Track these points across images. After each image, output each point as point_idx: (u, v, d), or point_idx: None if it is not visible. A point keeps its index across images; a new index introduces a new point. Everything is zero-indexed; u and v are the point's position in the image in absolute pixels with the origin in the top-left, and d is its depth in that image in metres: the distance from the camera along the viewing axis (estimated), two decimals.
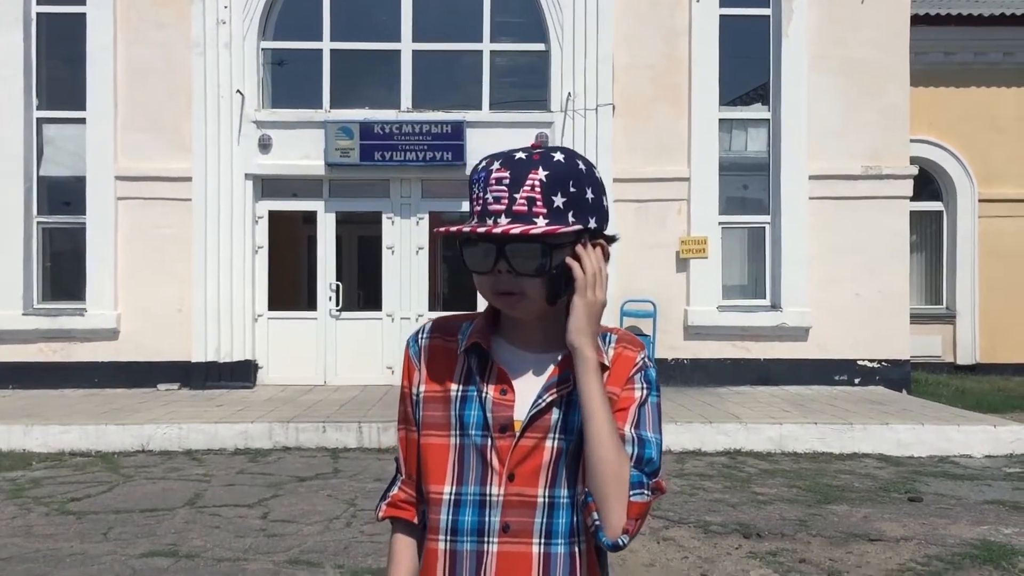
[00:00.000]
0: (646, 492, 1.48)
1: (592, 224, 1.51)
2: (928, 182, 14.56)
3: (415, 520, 1.65)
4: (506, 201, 1.46)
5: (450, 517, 1.54)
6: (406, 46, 12.36)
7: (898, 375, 12.12)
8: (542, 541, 1.51)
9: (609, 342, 1.59)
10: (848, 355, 12.16)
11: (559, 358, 1.55)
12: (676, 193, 12.23)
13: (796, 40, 12.19)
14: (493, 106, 12.39)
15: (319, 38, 12.37)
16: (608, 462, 1.45)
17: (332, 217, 12.47)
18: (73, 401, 10.83)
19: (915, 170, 12.39)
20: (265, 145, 12.07)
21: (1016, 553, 5.57)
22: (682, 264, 12.21)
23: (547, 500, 1.51)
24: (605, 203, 1.56)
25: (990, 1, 14.79)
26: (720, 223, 12.33)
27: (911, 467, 8.27)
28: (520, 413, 1.53)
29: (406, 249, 12.32)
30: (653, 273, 12.08)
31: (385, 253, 12.37)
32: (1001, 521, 6.37)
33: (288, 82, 12.66)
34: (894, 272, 12.19)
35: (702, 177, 12.20)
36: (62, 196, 12.39)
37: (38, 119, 12.23)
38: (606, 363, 1.54)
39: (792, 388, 11.84)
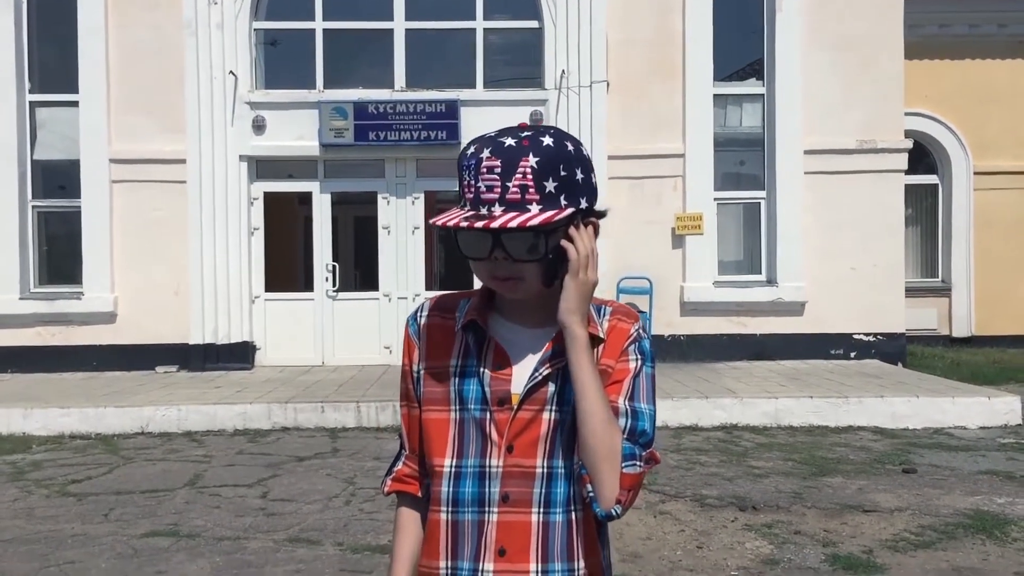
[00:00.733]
0: (639, 464, 1.51)
1: (583, 204, 1.53)
2: (923, 155, 14.57)
3: (419, 494, 1.69)
4: (499, 190, 1.47)
5: (451, 489, 1.58)
6: (399, 25, 12.31)
7: (894, 348, 12.17)
8: (541, 510, 1.55)
9: (604, 314, 1.62)
10: (844, 329, 12.20)
11: (554, 333, 1.58)
12: (671, 169, 12.22)
13: (790, 14, 12.14)
14: (487, 84, 12.36)
15: (311, 18, 12.32)
16: (600, 436, 1.48)
17: (327, 198, 12.46)
18: (72, 384, 10.86)
19: (910, 143, 12.39)
20: (259, 126, 12.04)
21: (1009, 522, 5.63)
22: (678, 240, 12.22)
23: (545, 471, 1.55)
24: (594, 180, 1.57)
25: None
26: (715, 199, 12.33)
27: (906, 439, 8.33)
28: (517, 387, 1.57)
29: (402, 229, 12.32)
30: (649, 250, 12.10)
31: (381, 233, 12.38)
32: (995, 491, 6.43)
33: (281, 63, 12.62)
34: (889, 246, 12.21)
35: (697, 153, 12.19)
36: (56, 180, 12.38)
37: (31, 103, 12.19)
38: (601, 335, 1.58)
39: (788, 363, 11.89)
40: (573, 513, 1.56)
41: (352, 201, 13.27)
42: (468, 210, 1.50)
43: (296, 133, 12.08)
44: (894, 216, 12.30)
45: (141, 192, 11.98)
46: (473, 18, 12.34)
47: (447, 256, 14.03)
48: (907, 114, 12.80)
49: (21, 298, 11.93)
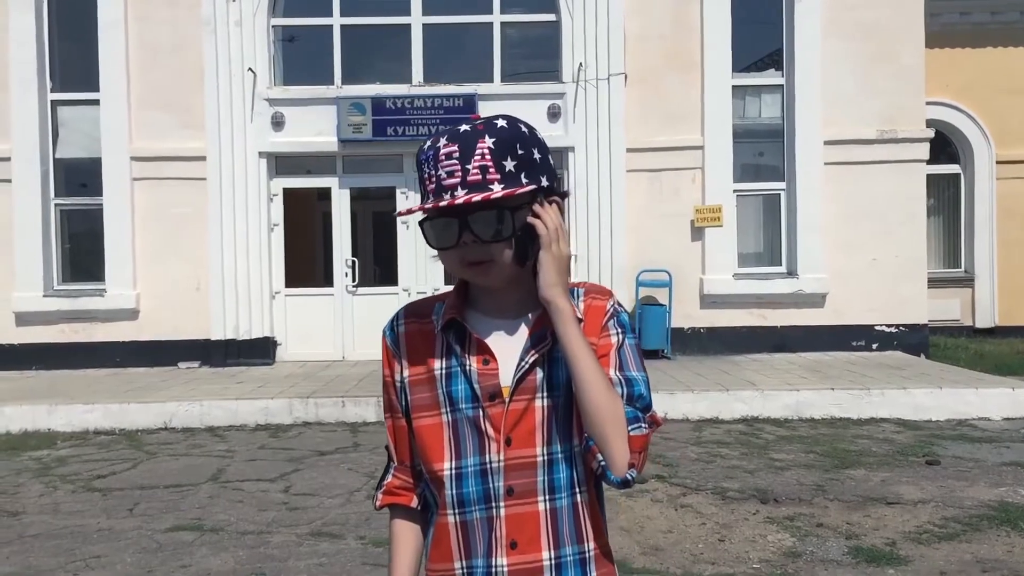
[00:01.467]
0: (643, 425, 1.52)
1: (544, 182, 1.55)
2: (945, 145, 14.44)
3: (412, 504, 1.68)
4: (459, 174, 1.49)
5: (455, 491, 1.57)
6: (416, 20, 12.31)
7: (916, 340, 12.08)
8: (546, 498, 1.55)
9: (578, 296, 1.62)
10: (865, 321, 12.13)
11: (533, 320, 1.59)
12: (690, 162, 12.17)
13: (809, 4, 12.06)
14: (505, 78, 12.34)
15: (329, 14, 12.34)
16: (602, 403, 1.48)
17: (347, 193, 12.50)
18: (95, 380, 10.96)
19: (931, 133, 12.28)
20: (278, 123, 12.09)
21: None
22: (697, 233, 12.18)
23: (546, 458, 1.55)
24: (551, 161, 1.60)
25: None
26: (735, 191, 12.28)
27: (929, 431, 8.27)
28: (506, 379, 1.56)
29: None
30: (668, 242, 12.07)
31: (400, 228, 12.39)
32: (1019, 482, 6.38)
33: (299, 59, 12.65)
34: (911, 236, 12.12)
35: (716, 145, 12.14)
36: (78, 178, 12.47)
37: (52, 101, 12.29)
38: (579, 316, 1.58)
39: (809, 355, 11.84)
40: (578, 495, 1.57)
41: (371, 196, 13.31)
42: (431, 200, 1.51)
43: (315, 129, 12.12)
44: (916, 206, 12.21)
45: (162, 189, 12.06)
46: (490, 12, 12.33)
47: None
48: (928, 103, 12.69)
49: (45, 295, 12.05)
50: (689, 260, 12.14)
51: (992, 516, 5.55)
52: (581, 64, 11.95)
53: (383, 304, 12.27)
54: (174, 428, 8.95)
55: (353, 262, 12.47)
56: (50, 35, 12.24)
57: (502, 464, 1.55)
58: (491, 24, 12.35)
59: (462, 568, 1.57)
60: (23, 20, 11.97)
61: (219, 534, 5.52)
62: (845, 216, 12.05)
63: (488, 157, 1.49)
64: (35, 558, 5.15)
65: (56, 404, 9.19)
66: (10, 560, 5.13)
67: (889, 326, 12.15)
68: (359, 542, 5.32)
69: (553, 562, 1.55)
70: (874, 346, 12.11)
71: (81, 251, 12.58)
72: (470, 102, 11.92)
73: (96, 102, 12.12)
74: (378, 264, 13.80)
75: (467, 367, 1.58)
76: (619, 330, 1.60)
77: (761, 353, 11.95)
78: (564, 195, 1.61)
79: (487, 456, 1.55)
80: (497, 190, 1.48)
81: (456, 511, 1.57)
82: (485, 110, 11.81)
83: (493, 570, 1.54)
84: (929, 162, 12.41)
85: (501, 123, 1.53)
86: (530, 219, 1.53)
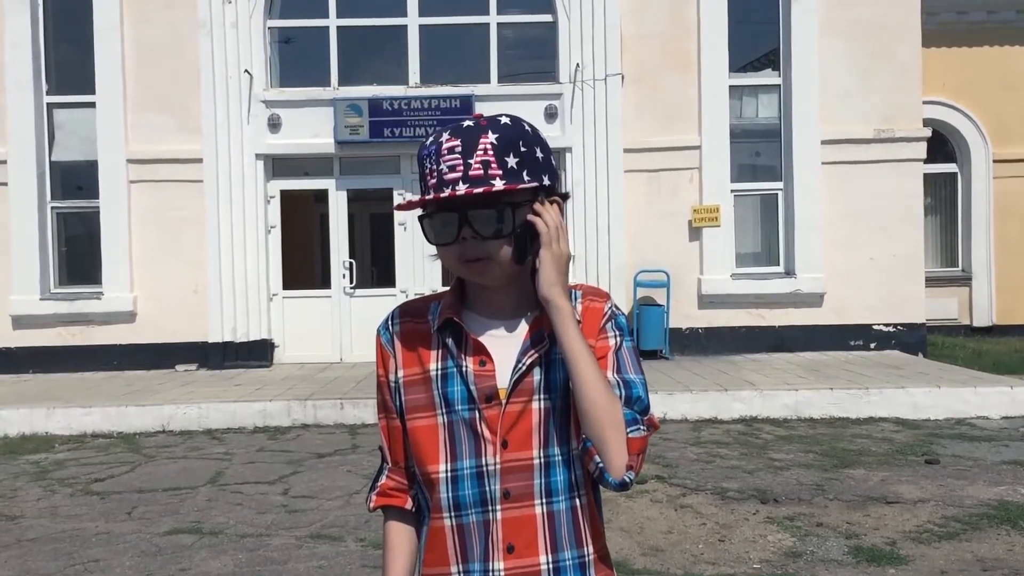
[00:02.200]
0: (642, 428, 1.51)
1: (546, 181, 1.55)
2: (942, 144, 14.45)
3: (407, 506, 1.65)
4: (461, 168, 1.48)
5: (450, 494, 1.55)
6: (413, 21, 12.31)
7: (914, 339, 12.09)
8: (543, 501, 1.53)
9: (576, 298, 1.61)
10: (863, 320, 12.13)
11: (530, 320, 1.58)
12: (687, 162, 12.17)
13: (806, 3, 12.06)
14: (502, 79, 12.34)
15: (325, 15, 12.33)
16: (601, 404, 1.47)
17: (344, 195, 12.48)
18: (93, 384, 10.94)
19: (928, 132, 12.29)
20: (275, 125, 12.08)
21: None
22: (695, 233, 12.17)
23: (543, 460, 1.54)
24: (554, 162, 1.60)
25: None
26: (732, 191, 12.28)
27: (928, 430, 8.27)
28: (502, 380, 1.55)
29: (418, 225, 12.26)
30: (666, 243, 12.07)
31: (397, 230, 12.39)
32: (1018, 481, 6.38)
33: (296, 61, 12.64)
34: (908, 235, 12.13)
35: (713, 145, 12.14)
36: (75, 181, 12.46)
37: (48, 104, 12.27)
38: (577, 317, 1.56)
39: (808, 354, 11.84)
40: (576, 499, 1.55)
41: (368, 198, 13.29)
42: (433, 194, 1.51)
43: (311, 131, 12.10)
44: (913, 205, 12.21)
45: (158, 192, 12.04)
46: (487, 13, 12.32)
47: None
48: (925, 103, 12.71)
49: (42, 299, 12.02)
50: (687, 260, 12.14)
51: (992, 515, 5.55)
52: (578, 64, 11.94)
53: (381, 305, 12.18)
54: (172, 431, 8.93)
55: (351, 264, 12.45)
56: (46, 37, 12.22)
57: (498, 467, 1.53)
58: (488, 25, 12.34)
59: (458, 572, 1.55)
60: (19, 23, 11.94)
61: (218, 537, 5.51)
62: (843, 215, 12.05)
63: (491, 152, 1.48)
64: (33, 562, 5.13)
65: (54, 407, 9.17)
66: (8, 564, 5.11)
67: (887, 325, 12.16)
68: (358, 544, 5.30)
69: (551, 566, 1.53)
70: (872, 345, 12.11)
71: (78, 254, 12.56)
72: (467, 103, 11.91)
73: (92, 104, 12.10)
74: (375, 265, 13.79)
75: (463, 368, 1.56)
76: (617, 332, 1.59)
77: (759, 353, 11.95)
78: (565, 196, 1.60)
79: (483, 458, 1.53)
80: (499, 184, 1.47)
81: (452, 514, 1.55)
82: (482, 111, 11.55)
83: (490, 574, 1.52)
84: (926, 161, 12.42)
85: (505, 120, 1.53)
86: (530, 217, 1.52)
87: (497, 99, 11.86)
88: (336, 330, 12.35)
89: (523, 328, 1.58)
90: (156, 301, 12.03)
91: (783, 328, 12.15)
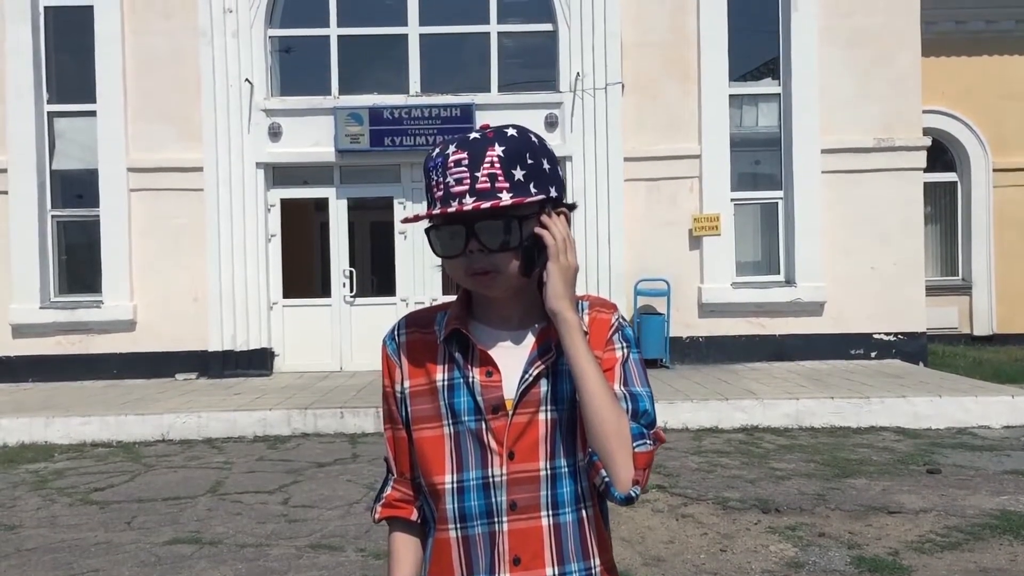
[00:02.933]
0: (648, 442, 1.50)
1: (554, 193, 1.54)
2: (941, 153, 14.47)
3: (412, 517, 1.64)
4: (468, 181, 1.47)
5: (456, 505, 1.54)
6: (413, 30, 12.33)
7: (915, 347, 12.08)
8: (550, 513, 1.53)
9: (582, 309, 1.60)
10: (864, 329, 12.13)
11: (537, 331, 1.57)
12: (687, 170, 12.18)
13: (806, 12, 12.09)
14: (502, 88, 12.36)
15: (326, 24, 12.35)
16: (607, 418, 1.46)
17: (344, 204, 12.49)
18: (93, 392, 10.92)
19: (928, 141, 12.30)
20: (275, 133, 12.09)
21: None
22: (695, 242, 12.17)
23: (549, 472, 1.53)
24: (561, 173, 1.59)
25: None
26: (732, 199, 12.28)
27: (929, 439, 8.25)
28: (509, 391, 1.54)
29: (418, 234, 12.30)
30: (666, 251, 12.07)
31: (397, 238, 12.39)
32: (1020, 491, 6.36)
33: (296, 69, 12.65)
34: (909, 244, 12.13)
35: (713, 154, 12.15)
36: (75, 189, 12.46)
37: (49, 113, 12.28)
38: (584, 328, 1.55)
39: (808, 363, 11.82)
40: (583, 511, 1.55)
41: (368, 206, 13.28)
42: (439, 207, 1.50)
43: (312, 139, 12.11)
44: (913, 214, 12.22)
45: (159, 200, 12.05)
46: (487, 22, 12.34)
47: None
48: (925, 112, 12.72)
49: (41, 307, 12.02)
50: (687, 269, 12.13)
51: (994, 525, 5.53)
52: (578, 73, 11.96)
53: (381, 314, 12.25)
54: (172, 440, 8.92)
55: (351, 272, 12.45)
56: (47, 47, 12.24)
57: (505, 478, 1.52)
58: (488, 34, 12.37)
59: None
60: (20, 32, 11.96)
61: (218, 547, 5.49)
62: (843, 224, 12.06)
63: (497, 165, 1.48)
64: (33, 572, 5.11)
65: (53, 416, 9.15)
66: (8, 574, 5.09)
67: (888, 334, 12.15)
68: (359, 554, 5.29)
69: None
70: (873, 354, 12.10)
71: (78, 263, 12.55)
72: (467, 112, 11.93)
73: (93, 113, 12.11)
74: (376, 274, 13.77)
75: (470, 379, 1.55)
76: (624, 344, 1.59)
77: (760, 362, 11.94)
78: (572, 207, 1.60)
79: (489, 470, 1.53)
80: (506, 198, 1.46)
81: (458, 526, 1.54)
82: (483, 120, 11.78)
83: None
84: (926, 170, 12.43)
85: (511, 132, 1.52)
86: (538, 230, 1.51)
87: (497, 108, 11.88)
88: (336, 339, 12.34)
89: (530, 339, 1.58)
90: (156, 310, 12.03)
91: (783, 337, 12.14)
